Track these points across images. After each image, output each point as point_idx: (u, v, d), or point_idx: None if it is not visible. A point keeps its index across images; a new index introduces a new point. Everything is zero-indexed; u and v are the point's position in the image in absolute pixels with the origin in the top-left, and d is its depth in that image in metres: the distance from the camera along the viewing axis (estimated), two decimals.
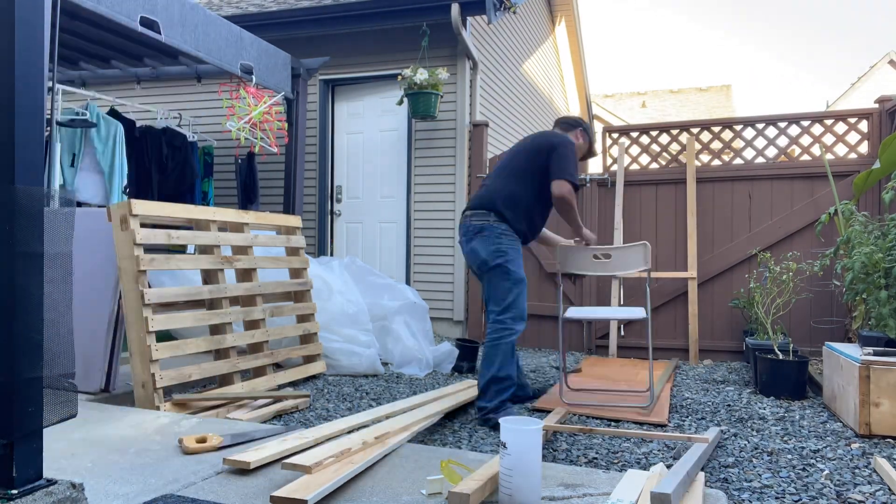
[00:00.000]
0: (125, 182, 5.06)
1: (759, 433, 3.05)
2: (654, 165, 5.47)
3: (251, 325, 3.75)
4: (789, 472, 2.49)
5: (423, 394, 3.34)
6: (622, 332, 5.38)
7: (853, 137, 5.03)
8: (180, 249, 4.90)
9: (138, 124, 5.80)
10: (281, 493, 1.77)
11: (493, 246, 3.20)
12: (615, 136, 5.71)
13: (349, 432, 2.46)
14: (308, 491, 1.78)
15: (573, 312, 3.63)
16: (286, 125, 5.43)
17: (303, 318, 4.20)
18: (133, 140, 5.59)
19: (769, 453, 2.73)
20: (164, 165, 5.79)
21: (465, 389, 3.58)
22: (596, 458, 2.65)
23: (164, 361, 3.57)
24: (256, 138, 5.20)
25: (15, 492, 1.38)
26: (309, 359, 4.16)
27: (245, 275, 3.80)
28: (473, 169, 6.00)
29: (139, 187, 5.70)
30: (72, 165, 5.00)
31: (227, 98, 5.01)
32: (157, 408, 2.97)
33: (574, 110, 10.81)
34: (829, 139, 5.09)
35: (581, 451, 2.75)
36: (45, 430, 1.47)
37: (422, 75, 5.54)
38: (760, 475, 2.45)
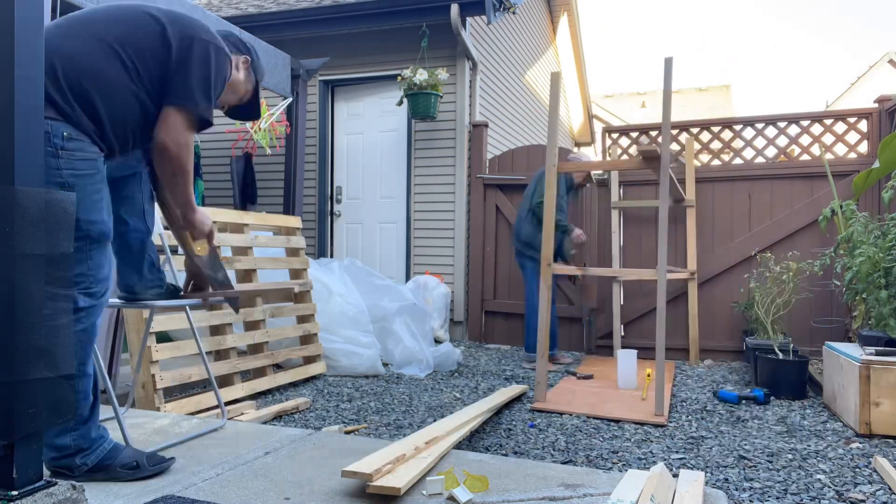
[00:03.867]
0: None
1: (759, 433, 3.05)
2: None
3: (251, 325, 3.75)
4: (789, 472, 2.49)
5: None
6: (623, 333, 5.38)
7: (853, 137, 5.03)
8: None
9: None
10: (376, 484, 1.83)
11: None
12: (615, 136, 5.71)
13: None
14: (400, 480, 1.86)
15: None
16: (289, 127, 5.43)
17: (303, 319, 4.20)
18: None
19: (769, 453, 2.73)
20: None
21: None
22: (596, 459, 2.65)
23: (164, 362, 3.57)
24: (274, 141, 5.21)
25: (15, 493, 1.38)
26: (309, 359, 4.16)
27: (245, 276, 3.80)
28: (473, 169, 6.01)
29: None
30: None
31: None
32: (158, 408, 2.97)
33: (574, 110, 10.82)
34: (828, 139, 5.09)
35: (581, 451, 2.76)
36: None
37: (421, 76, 5.54)
38: (760, 475, 2.45)
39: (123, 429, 2.16)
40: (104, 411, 2.73)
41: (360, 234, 6.45)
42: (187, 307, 2.77)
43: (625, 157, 5.61)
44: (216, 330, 3.48)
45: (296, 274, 4.24)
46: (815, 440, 2.94)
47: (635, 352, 3.91)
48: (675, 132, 5.47)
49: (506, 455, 2.68)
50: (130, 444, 2.12)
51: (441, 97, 5.75)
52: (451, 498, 1.84)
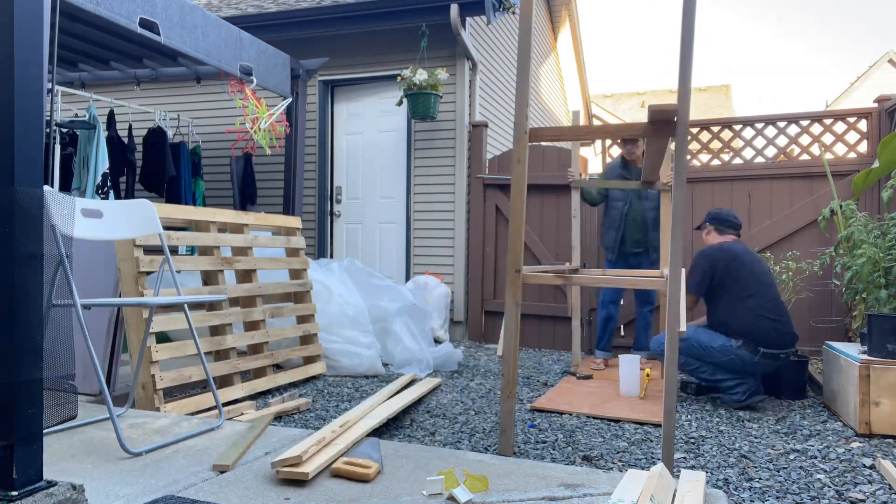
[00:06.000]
0: (99, 180, 5.02)
1: (759, 433, 3.05)
2: None
3: (251, 326, 3.75)
4: (789, 472, 2.49)
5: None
6: (622, 333, 5.38)
7: (852, 137, 5.03)
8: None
9: (120, 128, 5.92)
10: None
11: None
12: None
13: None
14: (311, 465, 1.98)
15: None
16: (289, 127, 5.43)
17: (303, 319, 4.19)
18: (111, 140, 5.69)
19: (769, 453, 2.73)
20: (133, 161, 5.88)
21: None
22: (596, 458, 2.65)
23: (164, 363, 3.57)
24: (274, 141, 5.21)
25: (15, 493, 1.38)
26: (309, 360, 4.16)
27: (245, 276, 3.80)
28: (473, 169, 6.01)
29: (117, 183, 5.76)
30: (83, 169, 5.03)
31: (240, 99, 4.93)
32: (158, 409, 2.97)
33: (574, 109, 10.81)
34: (828, 139, 5.09)
35: (581, 451, 2.76)
36: (44, 432, 1.46)
37: (421, 76, 5.54)
38: (760, 475, 2.46)
39: (118, 429, 2.16)
40: (100, 412, 2.73)
41: (360, 235, 6.45)
42: (186, 306, 2.78)
43: None
44: (216, 330, 3.47)
45: (296, 274, 4.24)
46: (815, 440, 2.94)
47: (638, 357, 3.77)
48: None
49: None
50: (125, 446, 2.11)
51: (441, 97, 5.75)
52: (451, 498, 1.84)
